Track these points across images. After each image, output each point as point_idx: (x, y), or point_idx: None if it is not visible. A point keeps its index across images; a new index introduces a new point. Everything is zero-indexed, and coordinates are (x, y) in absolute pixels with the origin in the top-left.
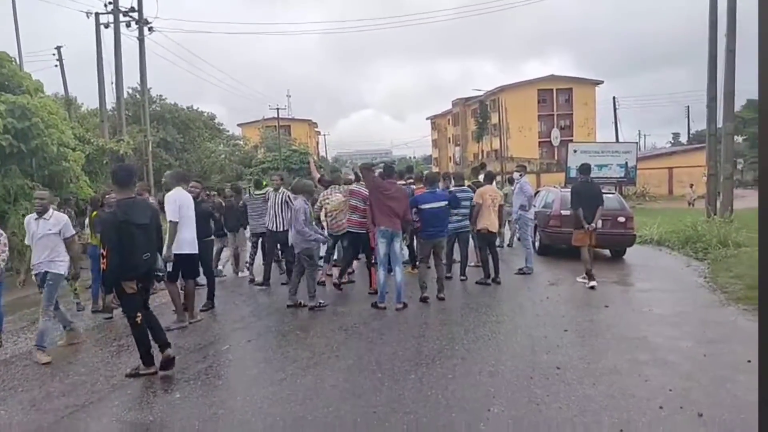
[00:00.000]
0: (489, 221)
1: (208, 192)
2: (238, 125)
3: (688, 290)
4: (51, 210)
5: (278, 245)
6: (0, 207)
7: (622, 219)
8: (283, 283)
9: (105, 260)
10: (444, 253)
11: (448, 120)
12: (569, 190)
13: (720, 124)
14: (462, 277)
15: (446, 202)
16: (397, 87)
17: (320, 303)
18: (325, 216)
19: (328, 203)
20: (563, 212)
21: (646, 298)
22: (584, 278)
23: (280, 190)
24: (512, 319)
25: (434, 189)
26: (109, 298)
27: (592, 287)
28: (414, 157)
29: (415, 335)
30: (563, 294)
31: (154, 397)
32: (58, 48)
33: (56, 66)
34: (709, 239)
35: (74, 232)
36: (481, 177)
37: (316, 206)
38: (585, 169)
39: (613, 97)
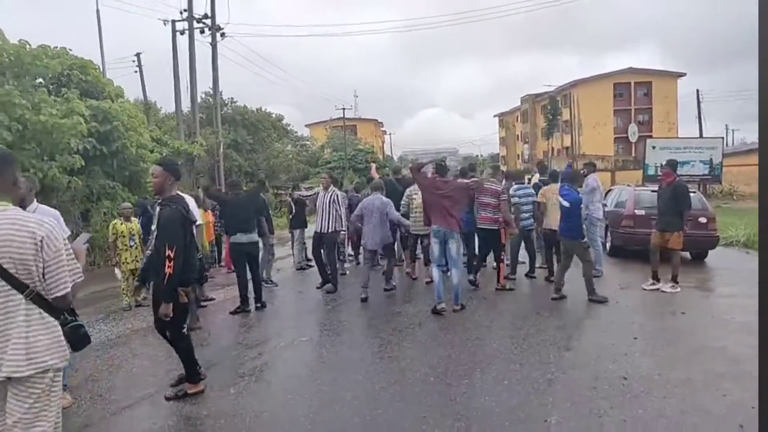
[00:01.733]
0: (554, 220)
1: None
2: (306, 126)
3: None
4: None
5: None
6: (84, 205)
7: (703, 219)
8: (317, 287)
9: (172, 263)
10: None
11: (517, 117)
12: (646, 188)
13: None
14: (532, 275)
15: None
16: (466, 85)
17: (393, 286)
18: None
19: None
20: (637, 212)
21: (728, 305)
22: (652, 284)
23: (329, 189)
24: (577, 324)
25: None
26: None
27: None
28: (480, 155)
29: (471, 338)
30: (635, 299)
31: (210, 390)
32: (138, 55)
33: (136, 72)
34: None
35: None
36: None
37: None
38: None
39: (697, 90)
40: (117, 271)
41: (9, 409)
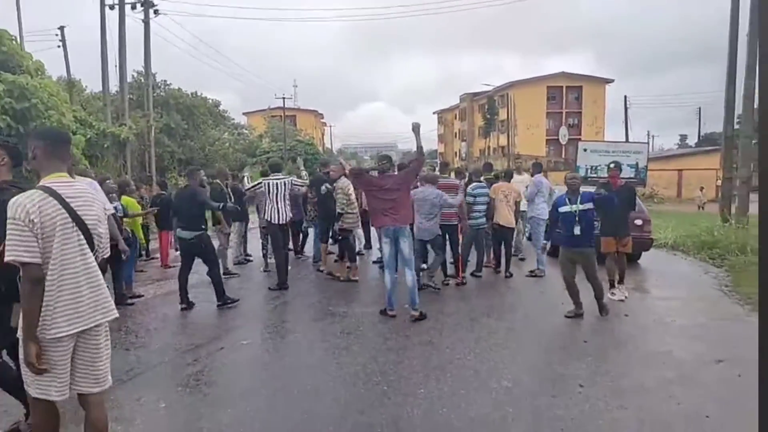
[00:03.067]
0: (501, 216)
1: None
2: (244, 114)
3: (709, 300)
4: None
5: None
6: None
7: (639, 222)
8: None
9: None
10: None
11: (455, 115)
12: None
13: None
14: (478, 274)
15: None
16: (410, 80)
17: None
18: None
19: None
20: None
21: (666, 307)
22: (612, 293)
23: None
24: (526, 326)
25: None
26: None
27: (620, 299)
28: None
29: (423, 342)
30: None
31: (139, 405)
32: (61, 28)
33: (59, 47)
34: (727, 245)
35: None
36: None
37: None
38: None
39: (625, 96)
40: None
41: (104, 345)
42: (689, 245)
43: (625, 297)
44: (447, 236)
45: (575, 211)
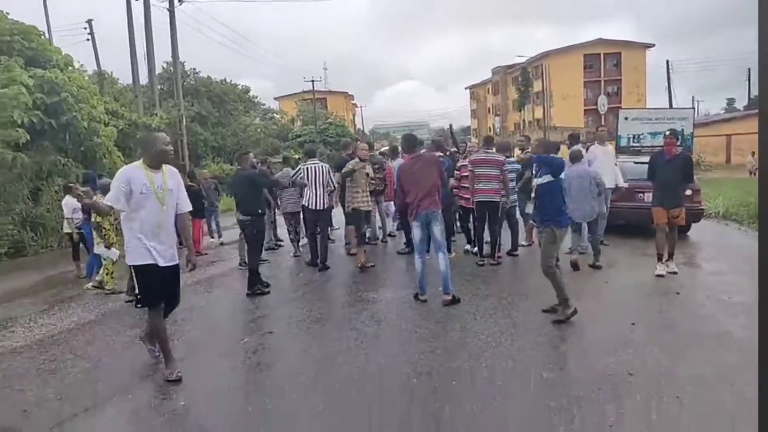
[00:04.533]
0: None
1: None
2: (275, 99)
3: None
4: None
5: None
6: (33, 183)
7: (688, 192)
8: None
9: None
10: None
11: (488, 89)
12: (628, 159)
13: None
14: (514, 253)
15: None
16: (441, 57)
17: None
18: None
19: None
20: (620, 185)
21: (722, 283)
22: (664, 267)
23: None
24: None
25: None
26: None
27: (659, 275)
28: (450, 127)
29: (456, 328)
30: (624, 278)
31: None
32: (89, 22)
33: (87, 40)
34: None
35: None
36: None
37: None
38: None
39: (667, 61)
40: (113, 251)
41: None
42: (742, 214)
43: (675, 272)
44: (487, 214)
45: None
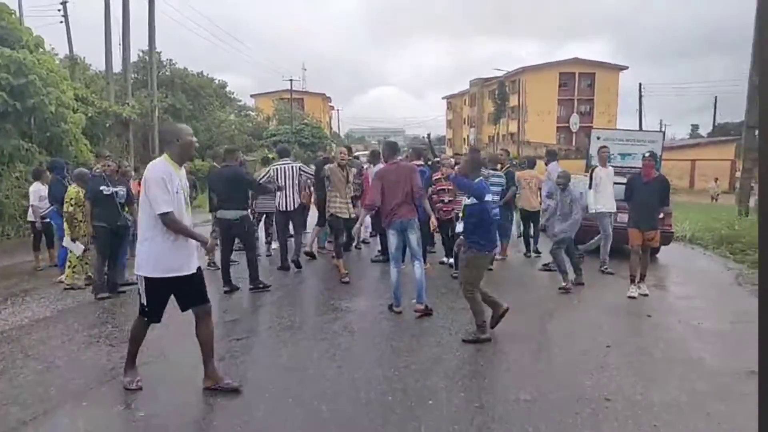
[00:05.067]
0: (525, 201)
1: None
2: (251, 96)
3: (735, 299)
4: None
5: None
6: None
7: (660, 215)
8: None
9: None
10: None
11: (465, 100)
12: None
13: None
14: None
15: None
16: (421, 66)
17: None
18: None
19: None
20: None
21: (691, 308)
22: (636, 289)
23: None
24: (542, 326)
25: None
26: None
27: (631, 296)
28: (423, 137)
29: (431, 344)
30: (597, 297)
31: (114, 414)
32: (64, 3)
33: (61, 23)
34: (750, 240)
35: None
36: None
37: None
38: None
39: (639, 84)
40: (77, 245)
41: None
42: (707, 239)
43: (647, 294)
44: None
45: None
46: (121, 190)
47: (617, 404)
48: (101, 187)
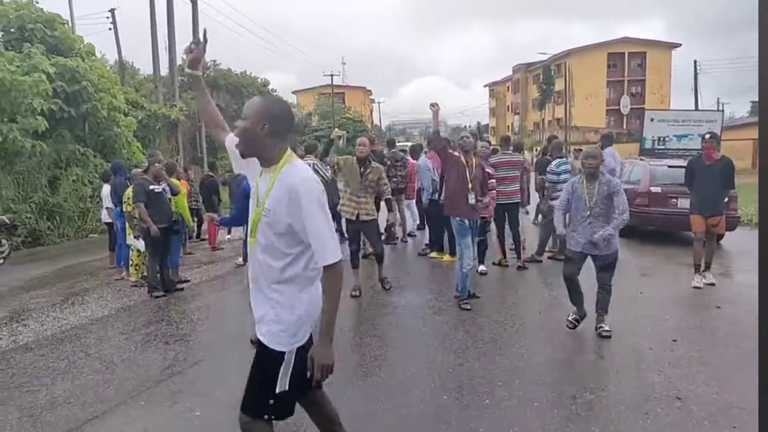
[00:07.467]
0: None
1: None
2: (293, 92)
3: None
4: None
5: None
6: (51, 172)
7: (724, 199)
8: None
9: None
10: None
11: (508, 87)
12: (661, 164)
13: None
14: (539, 258)
15: None
16: (465, 53)
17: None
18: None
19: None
20: (653, 189)
21: None
22: (701, 279)
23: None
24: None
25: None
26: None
27: (696, 286)
28: (469, 126)
29: (485, 339)
30: (661, 288)
31: (171, 412)
32: (112, 11)
33: (110, 29)
34: None
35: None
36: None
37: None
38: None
39: (695, 61)
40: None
41: None
42: None
43: (713, 284)
44: (506, 215)
45: None
46: (166, 187)
47: (690, 405)
48: (151, 187)
